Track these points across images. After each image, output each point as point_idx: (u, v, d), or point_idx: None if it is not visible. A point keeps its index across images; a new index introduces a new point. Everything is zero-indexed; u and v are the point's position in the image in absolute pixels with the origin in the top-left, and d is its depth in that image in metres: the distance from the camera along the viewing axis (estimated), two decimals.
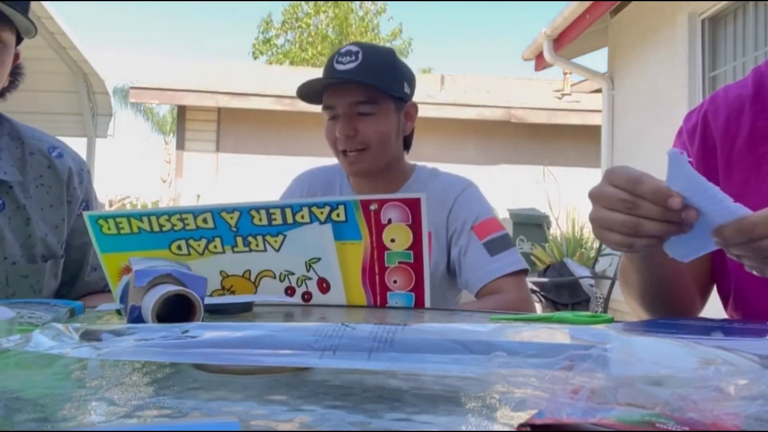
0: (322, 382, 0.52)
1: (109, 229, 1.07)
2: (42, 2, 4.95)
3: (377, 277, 1.12)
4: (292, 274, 1.12)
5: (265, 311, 1.03)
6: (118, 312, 0.93)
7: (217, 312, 0.96)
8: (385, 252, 1.10)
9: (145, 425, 0.41)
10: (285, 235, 1.09)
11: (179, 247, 1.09)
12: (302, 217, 1.08)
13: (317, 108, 1.54)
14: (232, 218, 1.07)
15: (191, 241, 1.09)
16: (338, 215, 1.08)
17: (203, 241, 1.09)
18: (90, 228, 1.07)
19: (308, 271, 1.12)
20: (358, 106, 1.47)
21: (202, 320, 0.76)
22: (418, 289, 1.12)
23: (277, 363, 0.52)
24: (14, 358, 0.58)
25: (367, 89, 1.46)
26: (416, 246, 1.10)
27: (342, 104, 1.47)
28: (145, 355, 0.53)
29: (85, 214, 1.08)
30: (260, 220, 1.08)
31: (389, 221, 1.09)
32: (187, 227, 1.07)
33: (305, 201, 1.13)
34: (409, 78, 1.55)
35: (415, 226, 1.09)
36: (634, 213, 0.74)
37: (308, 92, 1.51)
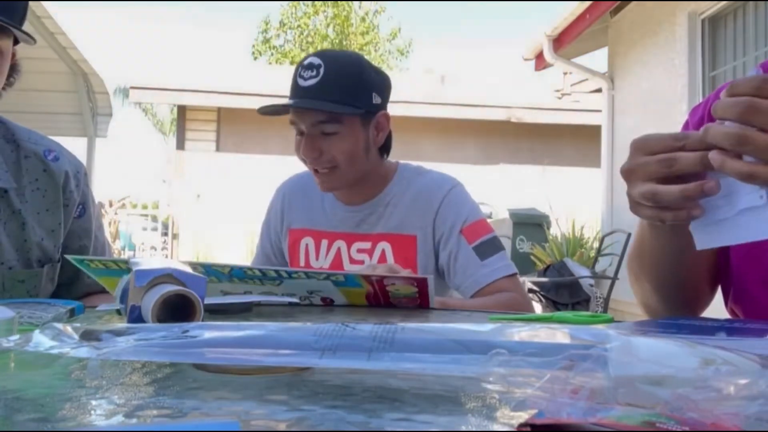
0: (322, 382, 0.52)
1: (95, 265, 1.06)
2: (42, 2, 4.95)
3: (381, 300, 1.11)
4: (293, 295, 1.10)
5: (265, 311, 1.03)
6: (118, 312, 0.93)
7: (217, 312, 0.96)
8: (389, 294, 1.09)
9: (145, 425, 0.41)
10: (282, 281, 1.07)
11: None
12: (299, 276, 1.06)
13: None
14: (224, 270, 1.04)
15: None
16: (336, 278, 1.06)
17: None
18: (79, 266, 1.06)
19: (311, 294, 1.10)
20: (321, 126, 1.39)
21: (202, 320, 0.76)
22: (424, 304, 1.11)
23: (277, 363, 0.52)
24: (14, 358, 0.58)
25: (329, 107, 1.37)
26: (421, 287, 1.08)
27: (304, 124, 1.40)
28: (145, 355, 0.53)
29: (70, 258, 1.06)
30: (254, 273, 1.05)
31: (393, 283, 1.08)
32: None
33: (304, 270, 1.12)
34: (379, 86, 1.44)
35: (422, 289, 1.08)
36: (672, 169, 0.76)
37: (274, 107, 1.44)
